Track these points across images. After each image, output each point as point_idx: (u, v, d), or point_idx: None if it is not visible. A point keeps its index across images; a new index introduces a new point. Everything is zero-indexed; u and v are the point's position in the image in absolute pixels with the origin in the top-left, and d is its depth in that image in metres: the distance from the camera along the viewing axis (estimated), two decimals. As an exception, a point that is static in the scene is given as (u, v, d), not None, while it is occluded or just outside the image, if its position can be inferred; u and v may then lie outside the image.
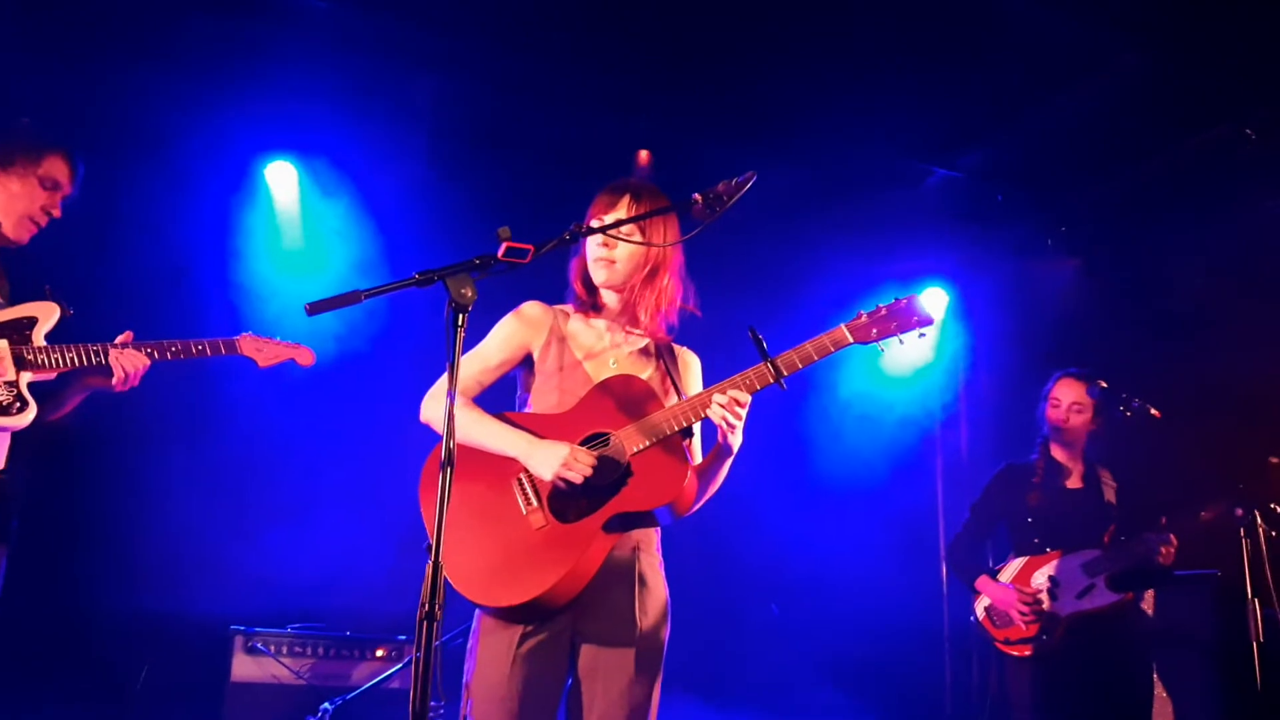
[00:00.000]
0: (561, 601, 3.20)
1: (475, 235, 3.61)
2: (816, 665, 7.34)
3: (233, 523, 6.45)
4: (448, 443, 2.57)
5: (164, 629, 6.18)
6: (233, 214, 6.85)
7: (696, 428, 3.45)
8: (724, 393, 3.24)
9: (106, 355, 3.88)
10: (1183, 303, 6.76)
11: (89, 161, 4.18)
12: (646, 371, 3.51)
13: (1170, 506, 5.39)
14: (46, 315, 3.92)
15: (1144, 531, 5.33)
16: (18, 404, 3.77)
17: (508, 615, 3.22)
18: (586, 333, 3.57)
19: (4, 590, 3.87)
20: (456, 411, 2.61)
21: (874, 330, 3.37)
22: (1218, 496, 5.13)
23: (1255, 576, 4.85)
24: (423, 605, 2.45)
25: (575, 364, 3.49)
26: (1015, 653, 5.37)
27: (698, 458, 3.52)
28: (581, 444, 3.27)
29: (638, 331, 3.57)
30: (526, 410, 3.54)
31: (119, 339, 3.93)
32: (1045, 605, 5.33)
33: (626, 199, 3.48)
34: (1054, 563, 5.42)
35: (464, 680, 3.29)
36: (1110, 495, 5.57)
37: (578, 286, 3.57)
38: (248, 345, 4.18)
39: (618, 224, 3.34)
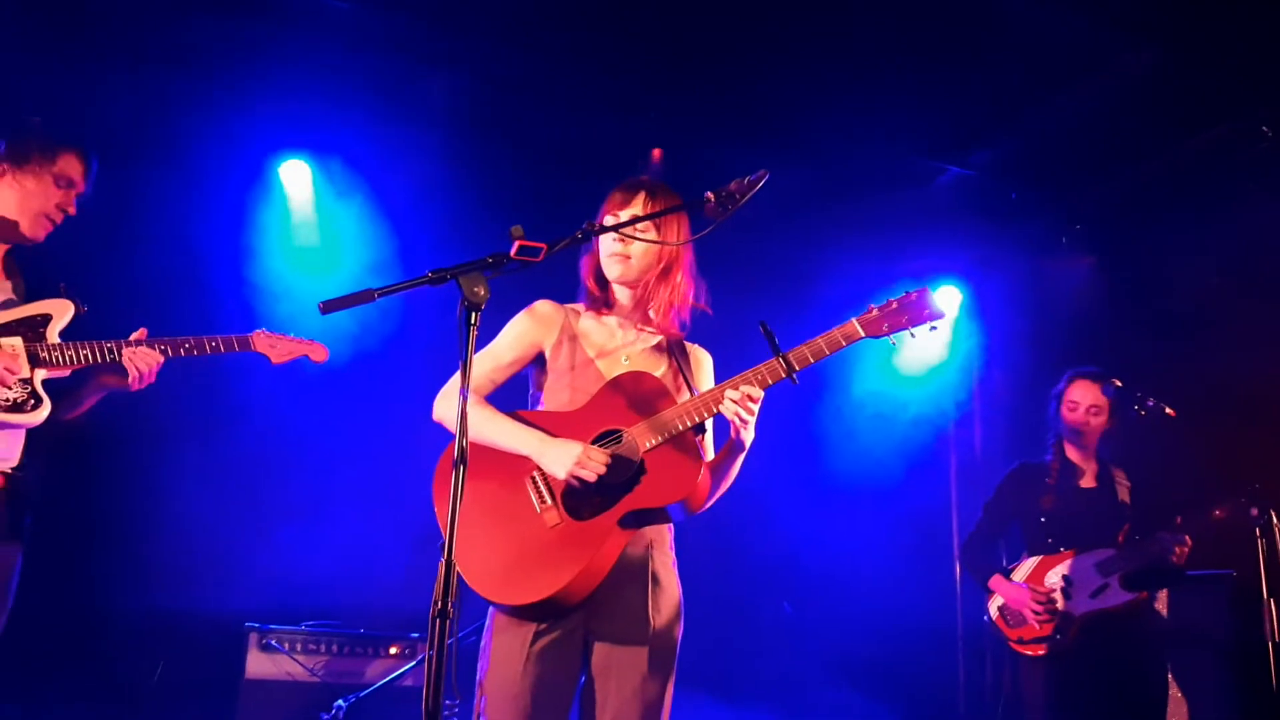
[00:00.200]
0: (575, 600, 3.20)
1: (488, 234, 3.62)
2: (829, 664, 7.34)
3: (247, 520, 6.47)
4: (460, 441, 2.57)
5: (178, 626, 6.19)
6: (247, 213, 6.87)
7: (709, 424, 3.45)
8: (736, 388, 3.23)
9: (120, 352, 3.88)
10: (1197, 301, 6.73)
11: (104, 160, 4.18)
12: (659, 369, 3.51)
13: (1184, 506, 5.37)
14: (61, 313, 3.93)
15: (1158, 531, 5.31)
16: (32, 401, 3.78)
17: (521, 613, 3.23)
18: (599, 331, 3.57)
19: (19, 588, 3.87)
20: (469, 410, 2.61)
21: (885, 324, 3.36)
22: (1232, 496, 5.11)
23: (1271, 576, 4.83)
24: (436, 603, 2.45)
25: (587, 362, 3.49)
26: (1029, 652, 5.36)
27: (710, 454, 3.52)
28: (594, 441, 3.27)
29: (650, 329, 3.58)
30: (539, 408, 3.54)
31: (133, 336, 3.94)
32: (1059, 604, 5.31)
33: (642, 196, 3.48)
34: (1068, 562, 5.41)
35: (477, 678, 3.30)
36: (1124, 494, 5.55)
37: (590, 284, 3.58)
38: (261, 342, 4.18)
39: (633, 221, 3.34)
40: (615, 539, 3.22)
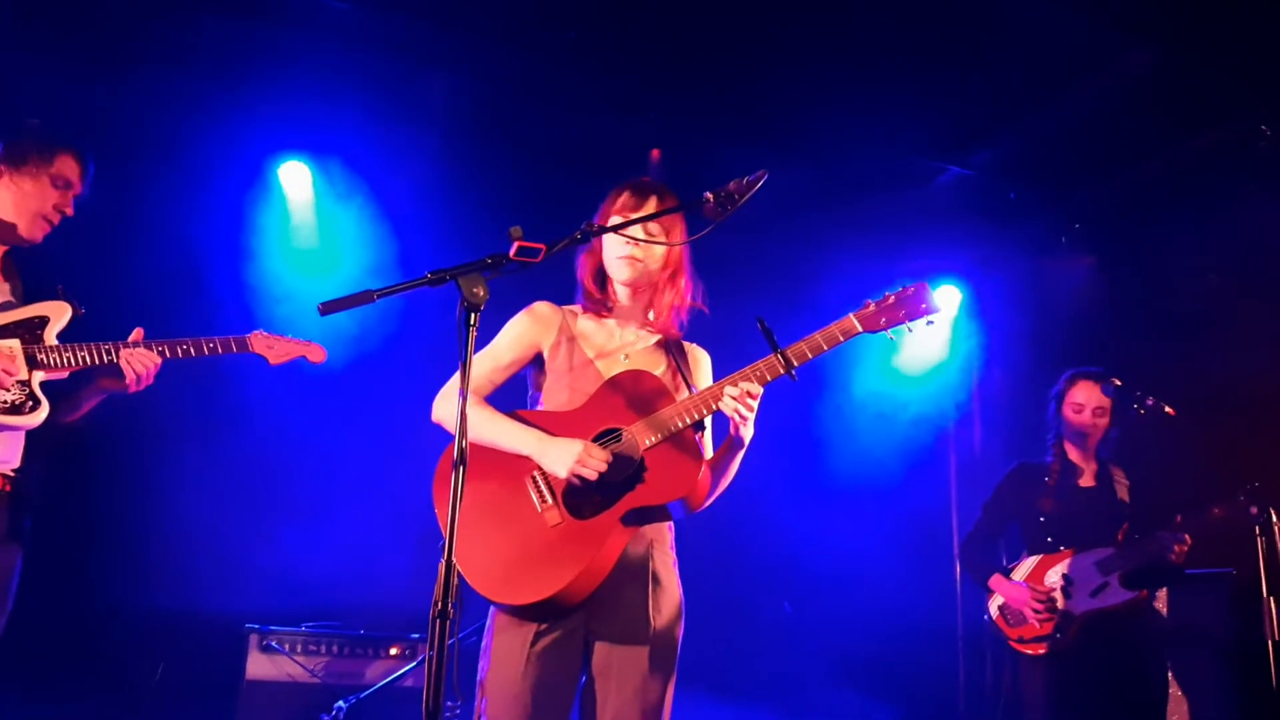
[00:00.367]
0: (577, 599, 3.20)
1: (488, 234, 3.62)
2: (829, 663, 7.33)
3: (247, 522, 6.47)
4: (460, 441, 2.57)
5: (178, 628, 6.19)
6: (246, 214, 6.86)
7: (708, 421, 3.45)
8: (735, 385, 3.24)
9: (118, 354, 3.88)
10: (1197, 301, 6.74)
11: (104, 162, 4.18)
12: (658, 368, 3.52)
13: (1184, 504, 5.37)
14: (58, 315, 3.93)
15: (1158, 529, 5.31)
16: (30, 403, 3.78)
17: (523, 613, 3.23)
18: (597, 331, 3.58)
19: (19, 590, 3.88)
20: (468, 410, 2.61)
21: (883, 319, 3.36)
22: (1232, 494, 5.10)
23: (1270, 574, 4.82)
24: (436, 603, 2.45)
25: (586, 362, 3.49)
26: (1029, 651, 5.36)
27: (709, 452, 3.52)
28: (594, 440, 3.27)
29: (648, 329, 3.59)
30: (538, 409, 3.54)
31: (130, 337, 3.93)
32: (1059, 603, 5.31)
33: (653, 200, 3.49)
34: (1067, 561, 5.40)
35: (478, 678, 3.30)
36: (1123, 493, 5.54)
37: (589, 284, 3.58)
38: (259, 343, 4.18)
39: (645, 219, 3.36)
40: (617, 537, 3.22)
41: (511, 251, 2.77)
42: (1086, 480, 5.61)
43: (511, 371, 3.55)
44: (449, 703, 5.61)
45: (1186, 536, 5.23)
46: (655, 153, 6.89)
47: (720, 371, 3.60)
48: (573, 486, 3.23)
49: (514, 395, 3.60)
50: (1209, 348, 6.42)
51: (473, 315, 2.65)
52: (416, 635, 6.14)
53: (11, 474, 3.79)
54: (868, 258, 7.63)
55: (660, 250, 3.50)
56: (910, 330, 3.38)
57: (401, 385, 5.95)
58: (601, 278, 3.57)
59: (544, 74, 6.33)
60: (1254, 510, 4.93)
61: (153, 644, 6.15)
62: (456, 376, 3.32)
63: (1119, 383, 5.53)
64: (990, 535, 5.77)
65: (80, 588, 6.01)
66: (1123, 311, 7.24)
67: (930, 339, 8.06)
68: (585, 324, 3.59)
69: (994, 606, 5.51)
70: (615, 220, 3.45)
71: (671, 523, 3.47)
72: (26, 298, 3.96)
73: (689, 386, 3.49)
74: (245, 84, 6.27)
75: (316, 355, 4.32)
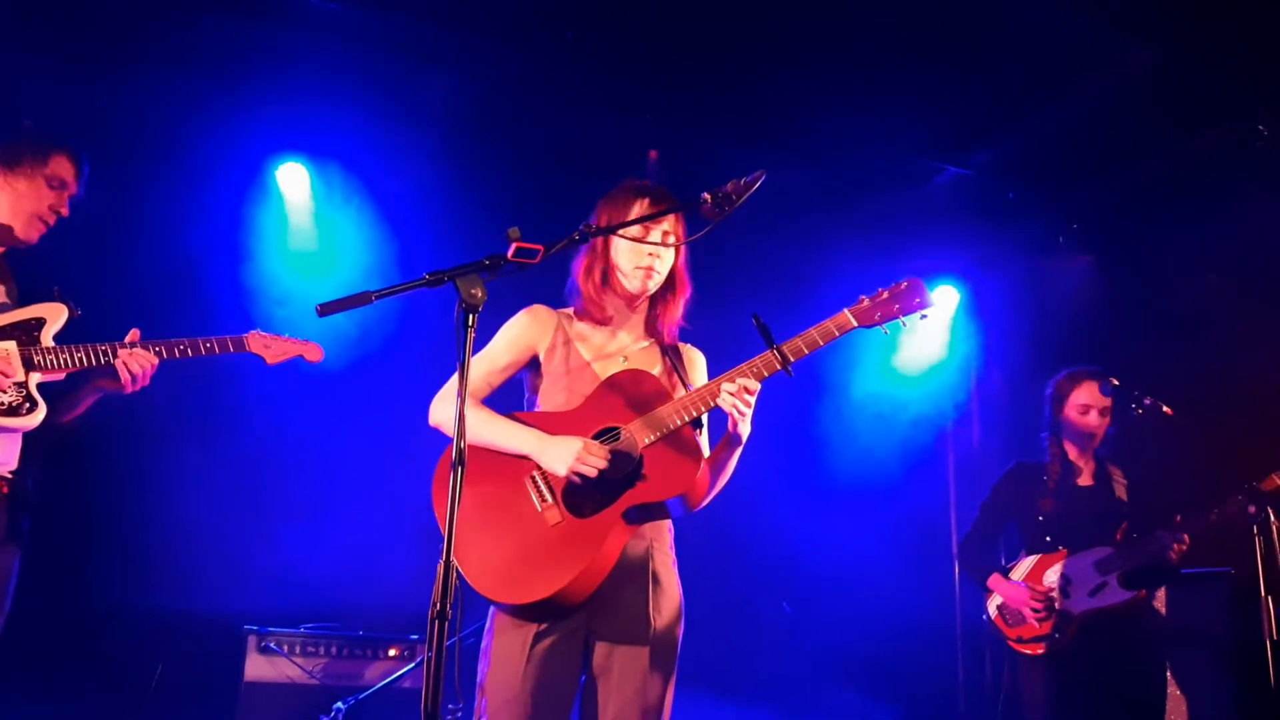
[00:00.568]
0: (578, 599, 3.20)
1: (486, 235, 3.61)
2: (828, 663, 7.34)
3: (246, 522, 6.46)
4: (458, 442, 2.57)
5: (177, 629, 6.18)
6: (244, 215, 6.85)
7: (705, 419, 3.45)
8: (733, 381, 3.25)
9: (115, 355, 3.88)
10: (1196, 301, 6.73)
11: (102, 162, 4.18)
12: (654, 369, 3.52)
13: (1183, 504, 5.37)
14: (55, 316, 3.93)
15: (1157, 529, 5.30)
16: (27, 404, 3.78)
17: (524, 613, 3.23)
18: (594, 334, 3.58)
19: (17, 591, 3.88)
20: (466, 412, 2.61)
21: (877, 314, 3.37)
22: (1230, 493, 5.10)
23: (1269, 574, 4.81)
24: (434, 604, 2.45)
25: (583, 365, 3.50)
26: (1028, 651, 5.35)
27: (706, 450, 3.52)
28: (593, 439, 3.27)
29: (644, 330, 3.61)
30: (535, 411, 3.54)
31: (127, 338, 3.93)
32: (1058, 603, 5.31)
33: (673, 217, 3.50)
34: (1066, 560, 5.40)
35: (478, 679, 3.30)
36: (1121, 492, 5.54)
37: (588, 288, 3.56)
38: (255, 342, 4.18)
39: (646, 219, 3.39)
40: (617, 536, 3.23)
41: (509, 253, 2.77)
42: (1085, 480, 5.61)
43: (508, 374, 3.55)
44: (449, 705, 5.61)
45: (1185, 536, 5.23)
46: (654, 153, 6.88)
47: (719, 370, 3.60)
48: (572, 485, 3.23)
49: (510, 399, 3.60)
50: (1208, 348, 6.43)
51: (471, 316, 2.65)
52: (415, 636, 6.14)
53: (9, 475, 3.79)
54: (867, 258, 7.63)
55: (670, 257, 3.51)
56: (905, 325, 3.40)
57: (400, 386, 5.94)
58: (601, 279, 3.55)
59: (543, 74, 6.33)
60: (1252, 510, 4.93)
61: (151, 645, 6.13)
62: (452, 380, 3.33)
63: (1116, 382, 5.53)
64: (988, 535, 5.76)
65: (79, 589, 6.00)
66: (1122, 311, 7.23)
67: (929, 339, 8.06)
68: (582, 327, 3.59)
69: (993, 606, 5.51)
70: (634, 231, 3.44)
71: (671, 523, 3.48)
72: (22, 299, 3.96)
73: (685, 386, 3.50)
74: (243, 85, 6.26)
75: (314, 354, 4.31)
